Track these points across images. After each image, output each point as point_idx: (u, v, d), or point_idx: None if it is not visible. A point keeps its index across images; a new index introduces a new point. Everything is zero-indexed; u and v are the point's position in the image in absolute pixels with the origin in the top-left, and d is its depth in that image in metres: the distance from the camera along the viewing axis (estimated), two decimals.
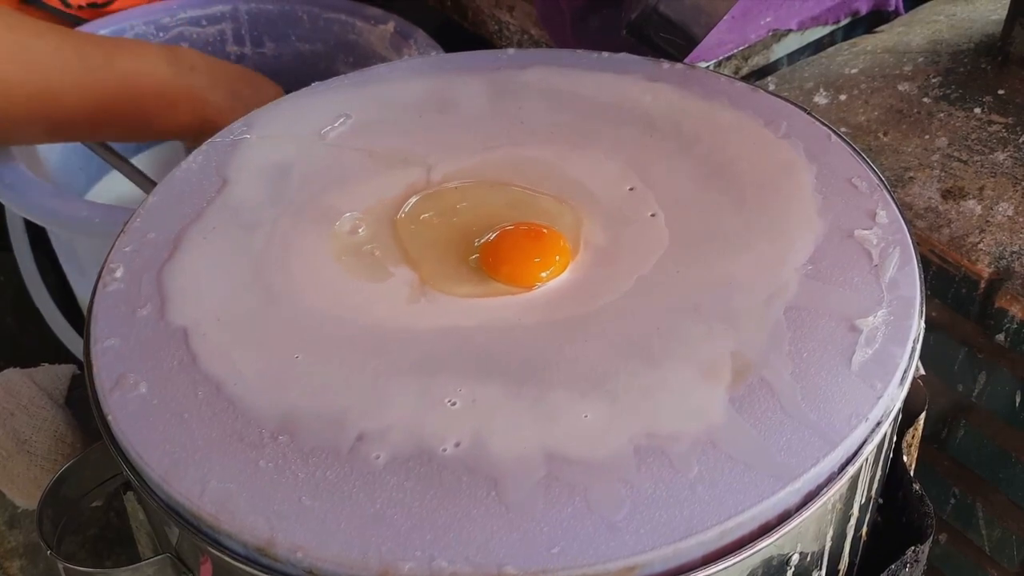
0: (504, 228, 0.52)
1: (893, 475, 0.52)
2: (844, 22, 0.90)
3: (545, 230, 0.52)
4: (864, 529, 0.50)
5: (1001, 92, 0.77)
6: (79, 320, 0.98)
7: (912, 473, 0.52)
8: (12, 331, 1.13)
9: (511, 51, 0.67)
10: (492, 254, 0.51)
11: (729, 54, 0.84)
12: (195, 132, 0.82)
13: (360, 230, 0.54)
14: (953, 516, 0.76)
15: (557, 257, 0.51)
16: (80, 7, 0.98)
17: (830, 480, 0.42)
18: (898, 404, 0.45)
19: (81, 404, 0.59)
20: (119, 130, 0.82)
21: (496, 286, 0.50)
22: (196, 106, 0.80)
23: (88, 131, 0.81)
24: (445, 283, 0.50)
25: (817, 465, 0.41)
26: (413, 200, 0.55)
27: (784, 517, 0.41)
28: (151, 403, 0.45)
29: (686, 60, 0.64)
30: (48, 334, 1.00)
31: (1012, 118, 0.74)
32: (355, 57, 1.00)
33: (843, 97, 0.79)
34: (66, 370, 0.61)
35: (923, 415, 0.51)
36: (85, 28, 0.96)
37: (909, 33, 0.86)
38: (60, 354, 0.96)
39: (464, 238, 0.53)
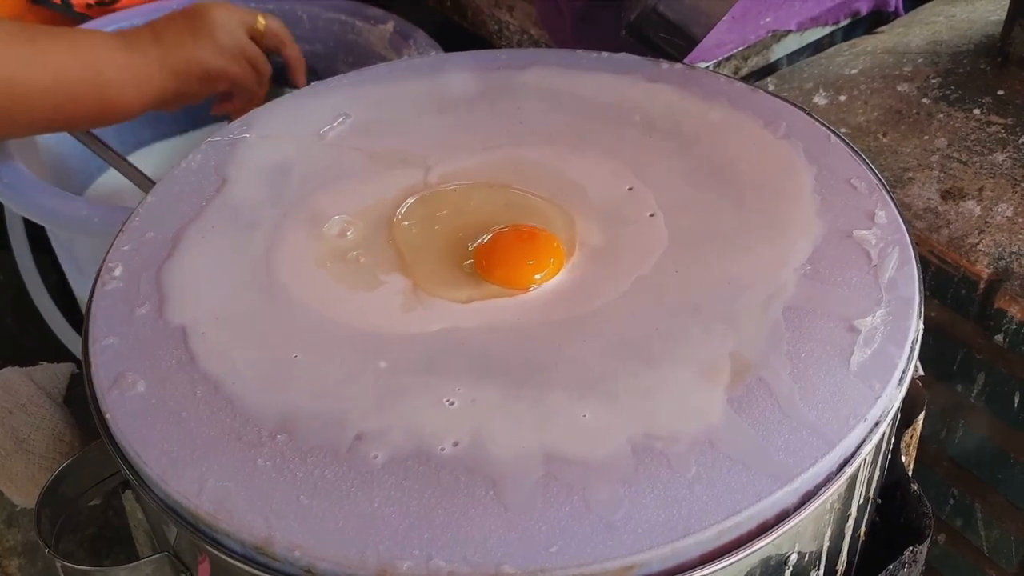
0: (498, 231, 0.52)
1: (891, 475, 0.52)
2: (844, 23, 0.90)
3: (538, 232, 0.52)
4: (862, 529, 0.50)
5: (1000, 93, 0.77)
6: (78, 319, 0.98)
7: (910, 473, 0.52)
8: (12, 331, 1.13)
9: (510, 51, 0.67)
10: (486, 257, 0.51)
11: (729, 54, 0.84)
12: (175, 96, 0.80)
13: (348, 233, 0.53)
14: (952, 516, 0.76)
15: (551, 259, 0.51)
16: (88, 5, 0.98)
17: (828, 480, 0.42)
18: (896, 404, 0.45)
19: (80, 403, 0.59)
20: (91, 118, 0.80)
21: (493, 288, 0.50)
22: (164, 74, 0.79)
23: (63, 124, 0.81)
24: (440, 287, 0.50)
25: (815, 465, 0.41)
26: (409, 202, 0.55)
27: (782, 517, 0.41)
28: (149, 402, 0.45)
29: (686, 60, 0.64)
30: (48, 334, 1.00)
31: (1011, 119, 0.74)
32: (355, 57, 1.00)
33: (843, 98, 0.79)
34: (65, 369, 0.61)
35: (922, 415, 0.51)
36: (89, 25, 0.96)
37: (909, 34, 0.86)
38: (60, 354, 0.96)
39: (461, 240, 0.53)
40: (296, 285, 0.51)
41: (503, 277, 0.50)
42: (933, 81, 0.79)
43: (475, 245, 0.52)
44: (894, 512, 0.52)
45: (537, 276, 0.50)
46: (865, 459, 0.43)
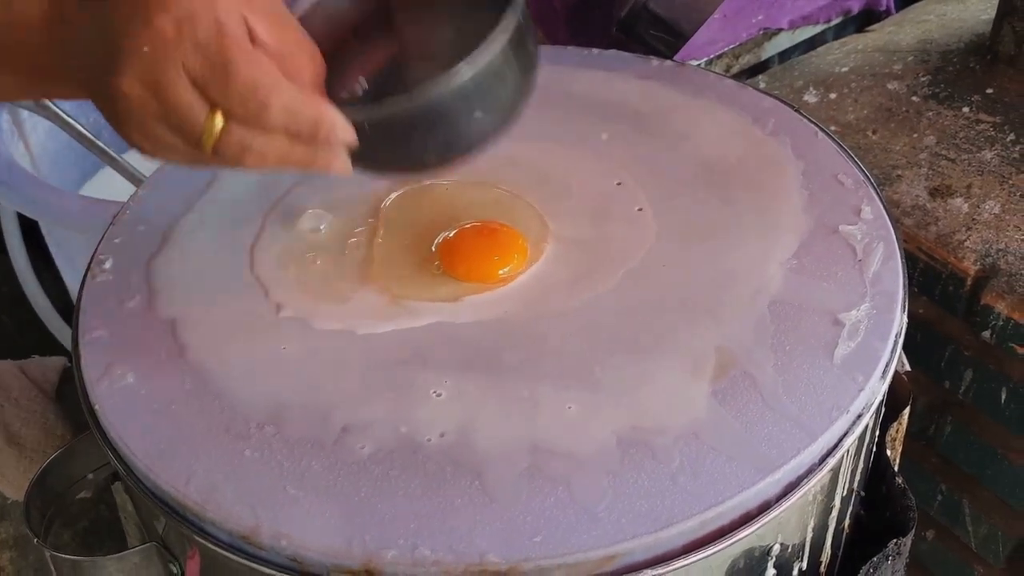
0: (459, 228, 0.52)
1: (877, 469, 0.52)
2: (835, 21, 0.90)
3: (497, 225, 0.52)
4: (846, 521, 0.50)
5: (989, 91, 0.77)
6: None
7: (896, 467, 0.53)
8: (7, 327, 1.14)
9: None
10: (448, 255, 0.51)
11: (720, 52, 0.85)
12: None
13: (322, 227, 0.54)
14: (940, 512, 0.76)
15: (515, 253, 0.51)
16: None
17: (810, 471, 0.42)
18: (880, 397, 0.45)
19: (71, 397, 0.59)
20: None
21: (470, 285, 0.50)
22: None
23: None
24: (412, 290, 0.50)
25: (797, 456, 0.41)
26: (392, 198, 0.55)
27: (764, 507, 0.41)
28: (138, 394, 0.46)
29: (677, 58, 0.65)
30: (43, 330, 1.00)
31: (1000, 117, 0.75)
32: None
33: (833, 95, 0.79)
34: (57, 362, 0.61)
35: (907, 410, 0.52)
36: None
37: (899, 32, 0.86)
38: (55, 350, 0.96)
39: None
40: (285, 280, 0.51)
41: (467, 273, 0.50)
42: (923, 79, 0.80)
43: (438, 242, 0.52)
44: (879, 505, 0.52)
45: (502, 271, 0.50)
46: (848, 451, 0.44)
